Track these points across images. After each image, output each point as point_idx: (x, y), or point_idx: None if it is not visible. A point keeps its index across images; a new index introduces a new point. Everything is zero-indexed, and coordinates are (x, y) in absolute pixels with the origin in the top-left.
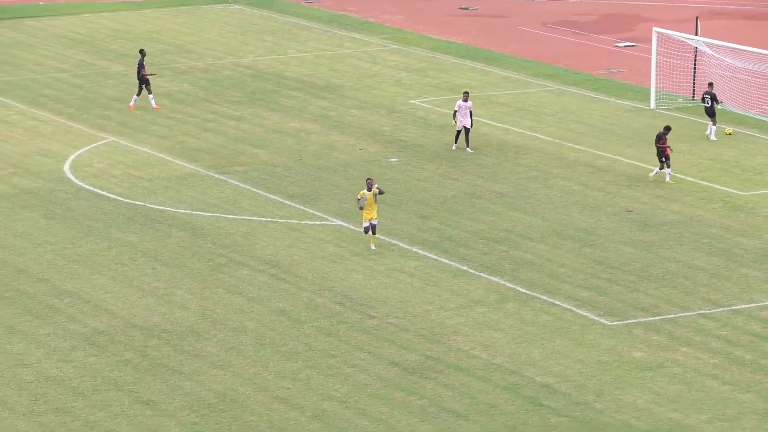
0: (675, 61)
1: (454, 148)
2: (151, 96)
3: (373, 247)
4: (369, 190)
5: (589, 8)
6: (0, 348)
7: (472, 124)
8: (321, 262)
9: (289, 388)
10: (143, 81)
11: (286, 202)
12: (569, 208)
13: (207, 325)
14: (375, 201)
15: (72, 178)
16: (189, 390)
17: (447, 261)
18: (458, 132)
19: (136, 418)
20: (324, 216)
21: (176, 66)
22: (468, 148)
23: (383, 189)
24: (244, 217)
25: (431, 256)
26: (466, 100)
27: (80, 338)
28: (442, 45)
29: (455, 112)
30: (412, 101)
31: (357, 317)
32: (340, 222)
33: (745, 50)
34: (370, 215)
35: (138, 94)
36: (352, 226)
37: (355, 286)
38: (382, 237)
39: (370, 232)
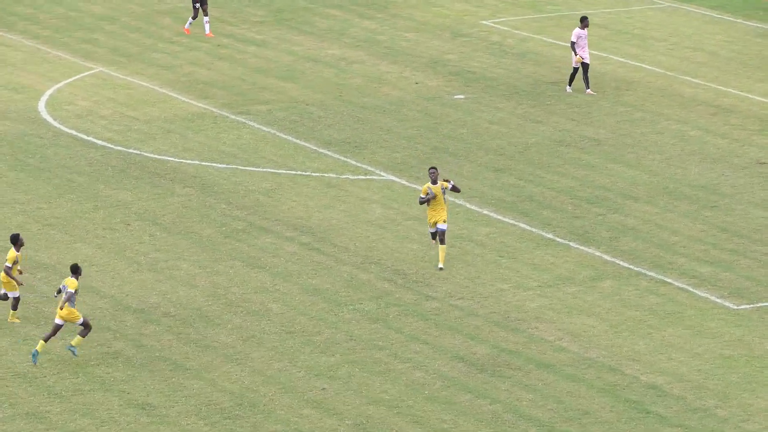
0: None
1: (569, 90)
2: (206, 19)
3: (440, 266)
4: (434, 183)
5: None
6: None
7: None
8: (366, 228)
9: (324, 389)
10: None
11: (322, 150)
12: (684, 159)
13: (219, 308)
14: (444, 199)
15: (49, 119)
16: (196, 390)
17: (527, 227)
18: (575, 69)
19: (128, 426)
20: (370, 168)
21: None
22: (588, 89)
23: (457, 185)
24: (268, 170)
25: (507, 220)
26: (585, 28)
27: None
28: None
29: (573, 44)
30: (484, 22)
31: (411, 298)
32: (390, 176)
33: None
34: (436, 217)
35: (194, 17)
36: (405, 182)
37: (409, 258)
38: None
39: (437, 240)
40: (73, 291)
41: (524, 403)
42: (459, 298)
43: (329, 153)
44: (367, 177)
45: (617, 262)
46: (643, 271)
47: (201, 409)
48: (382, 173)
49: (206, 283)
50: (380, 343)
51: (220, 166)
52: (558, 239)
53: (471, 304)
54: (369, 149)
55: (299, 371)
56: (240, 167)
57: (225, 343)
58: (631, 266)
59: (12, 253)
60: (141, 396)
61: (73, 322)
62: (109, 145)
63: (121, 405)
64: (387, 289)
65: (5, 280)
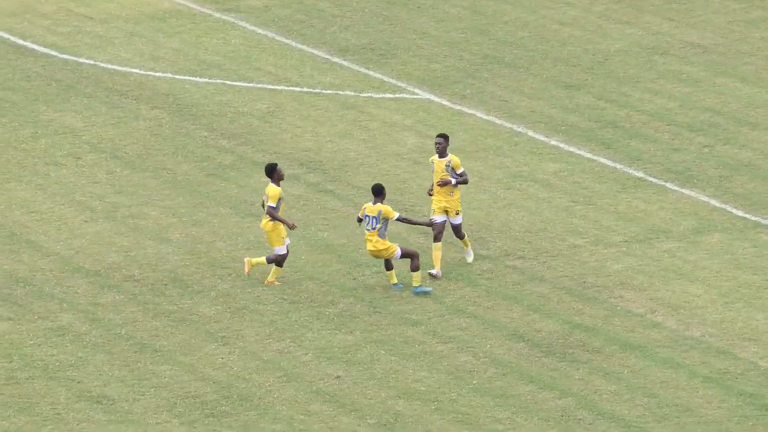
0: None
1: None
2: None
3: (434, 272)
4: (441, 156)
5: None
6: None
7: None
8: (394, 163)
9: (339, 378)
10: None
11: (336, 60)
12: None
13: (200, 270)
14: (454, 184)
15: None
16: (168, 379)
17: (608, 161)
18: None
19: (78, 426)
20: (400, 84)
21: None
22: None
23: (464, 176)
24: (264, 86)
25: (582, 153)
26: None
27: None
28: None
29: None
30: None
31: (455, 257)
32: (427, 94)
33: None
34: (442, 204)
35: None
36: (446, 102)
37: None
38: (496, 121)
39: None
40: (395, 216)
41: (604, 396)
42: (518, 258)
43: (346, 63)
44: (396, 95)
45: (729, 209)
46: (763, 220)
47: (175, 403)
48: (415, 90)
49: (182, 236)
50: (414, 316)
51: (200, 80)
52: (650, 179)
53: (534, 265)
54: (398, 58)
55: (306, 354)
56: (227, 82)
57: (207, 316)
58: (747, 215)
59: (274, 189)
60: (96, 386)
61: (390, 257)
62: (54, 53)
63: (69, 398)
64: (423, 244)
65: (270, 228)
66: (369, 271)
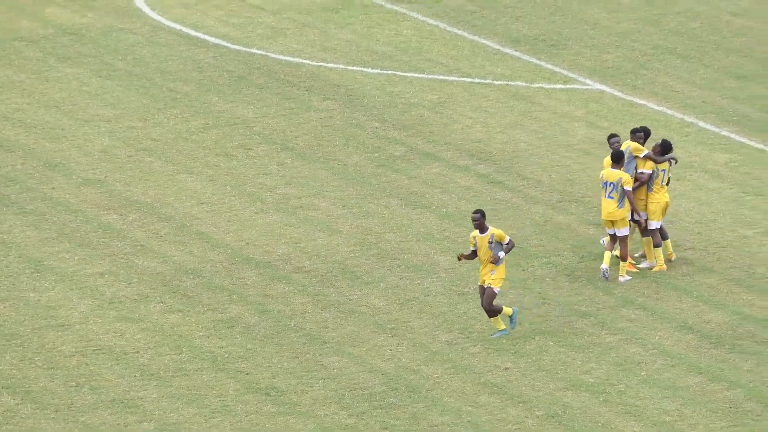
0: None
1: None
2: None
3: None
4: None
5: None
6: (38, 297)
7: None
8: (565, 154)
9: (507, 369)
10: None
11: (507, 50)
12: None
13: (370, 261)
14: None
15: (145, 9)
16: (337, 371)
17: None
18: None
19: (247, 418)
20: (571, 75)
21: None
22: None
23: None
24: (435, 77)
25: (753, 144)
26: None
27: (154, 280)
28: None
29: None
30: None
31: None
32: (598, 85)
33: None
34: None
35: None
36: (617, 93)
37: None
38: (667, 111)
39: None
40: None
41: None
42: (688, 249)
43: (517, 54)
44: (567, 86)
45: None
46: None
47: (343, 395)
48: (586, 81)
49: (352, 227)
50: (582, 308)
51: (371, 71)
52: None
53: (703, 256)
54: (570, 49)
55: (474, 345)
56: (398, 73)
57: (376, 307)
58: None
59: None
60: (264, 378)
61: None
62: (225, 44)
63: (237, 390)
64: (592, 235)
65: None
66: (538, 262)
